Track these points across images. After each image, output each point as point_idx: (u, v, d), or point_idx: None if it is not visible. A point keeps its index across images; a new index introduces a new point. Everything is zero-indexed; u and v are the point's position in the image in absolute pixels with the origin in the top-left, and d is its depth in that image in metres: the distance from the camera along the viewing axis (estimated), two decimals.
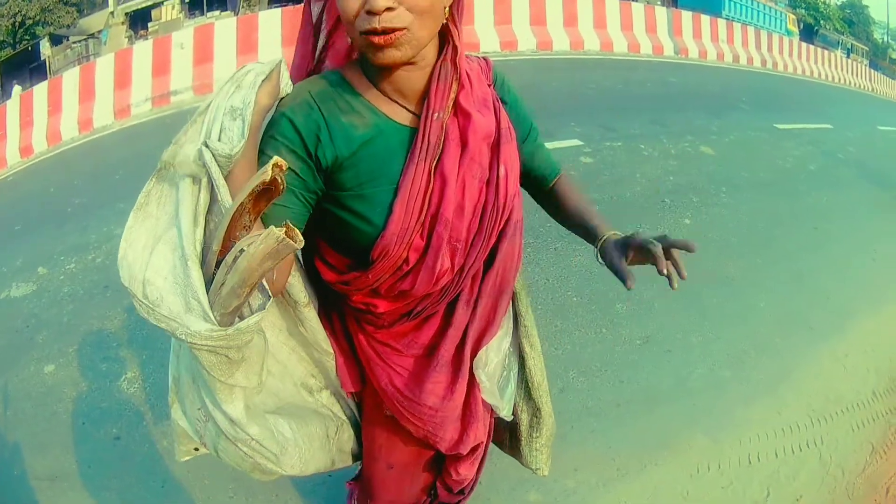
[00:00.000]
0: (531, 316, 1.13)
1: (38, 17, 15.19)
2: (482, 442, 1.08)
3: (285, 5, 7.74)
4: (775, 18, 21.46)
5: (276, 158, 0.61)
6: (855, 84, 14.33)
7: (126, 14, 15.44)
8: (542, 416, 1.17)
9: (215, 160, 0.69)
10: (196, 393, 0.83)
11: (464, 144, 0.83)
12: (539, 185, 1.06)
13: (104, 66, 6.68)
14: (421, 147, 0.80)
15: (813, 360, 2.48)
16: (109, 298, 2.83)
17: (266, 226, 0.65)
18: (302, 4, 0.86)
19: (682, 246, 0.81)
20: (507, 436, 1.26)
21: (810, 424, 2.13)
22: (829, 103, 9.50)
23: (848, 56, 19.19)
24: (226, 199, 0.68)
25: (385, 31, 0.70)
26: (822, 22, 25.53)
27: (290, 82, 0.80)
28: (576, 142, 4.45)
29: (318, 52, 0.88)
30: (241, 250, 0.62)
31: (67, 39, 15.75)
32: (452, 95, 0.81)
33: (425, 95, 0.81)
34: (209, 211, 0.70)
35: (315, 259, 0.91)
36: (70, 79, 6.84)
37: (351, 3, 0.70)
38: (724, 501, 1.81)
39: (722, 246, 3.28)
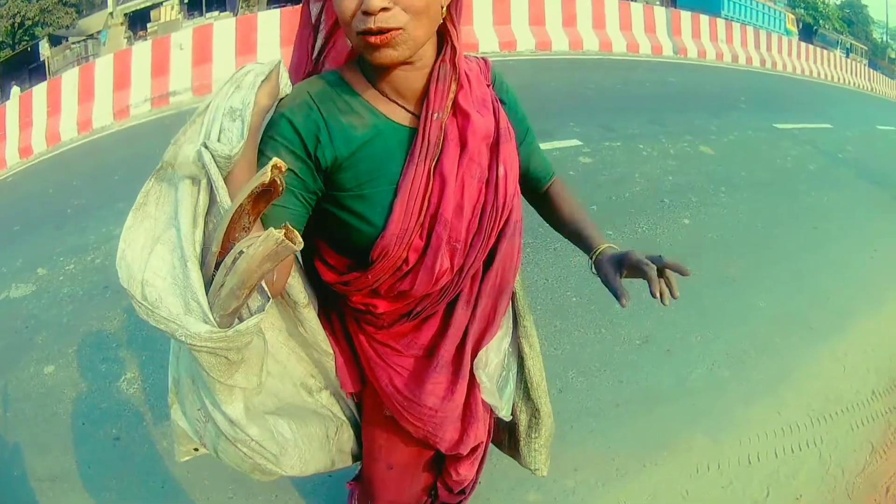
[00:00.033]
0: (530, 316, 1.13)
1: (37, 18, 15.18)
2: (482, 442, 1.08)
3: (284, 6, 7.75)
4: (774, 18, 21.47)
5: (275, 160, 0.61)
6: (854, 84, 14.35)
7: (125, 15, 15.41)
8: (540, 416, 1.17)
9: (214, 161, 0.68)
10: (196, 394, 0.83)
11: (463, 145, 0.83)
12: (534, 188, 1.07)
13: (103, 66, 6.69)
14: (420, 147, 0.80)
15: (813, 360, 2.48)
16: (109, 299, 2.83)
17: (266, 227, 0.65)
18: (300, 5, 0.86)
19: (675, 268, 0.83)
20: (505, 436, 1.26)
21: (810, 424, 2.13)
22: (829, 103, 9.50)
23: (847, 56, 19.21)
24: (225, 200, 0.68)
25: (381, 31, 0.70)
26: (821, 21, 25.52)
27: (289, 83, 0.81)
28: (575, 142, 4.45)
29: (317, 53, 0.88)
30: (241, 252, 0.62)
31: (66, 40, 15.72)
32: (451, 96, 0.81)
33: (424, 96, 0.81)
34: (208, 212, 0.70)
35: (315, 260, 0.91)
36: (69, 79, 6.84)
37: (347, 4, 0.71)
38: (723, 501, 1.81)
39: (721, 246, 3.28)
